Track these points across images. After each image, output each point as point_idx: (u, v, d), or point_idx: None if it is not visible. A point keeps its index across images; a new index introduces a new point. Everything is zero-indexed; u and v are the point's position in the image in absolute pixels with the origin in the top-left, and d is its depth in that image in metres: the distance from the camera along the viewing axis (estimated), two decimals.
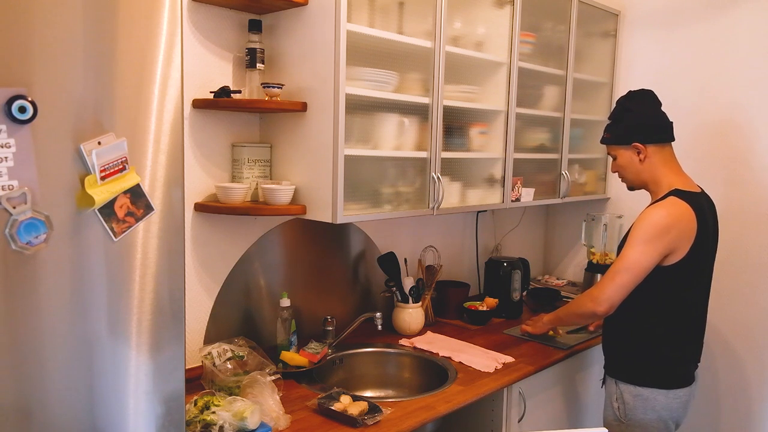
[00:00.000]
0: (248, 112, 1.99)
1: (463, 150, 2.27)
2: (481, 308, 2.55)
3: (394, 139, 2.01)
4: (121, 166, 1.09)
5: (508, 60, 2.36)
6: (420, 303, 2.39)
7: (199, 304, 1.93)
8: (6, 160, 0.96)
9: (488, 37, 2.35)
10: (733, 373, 2.65)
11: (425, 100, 2.06)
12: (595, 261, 2.86)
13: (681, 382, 1.88)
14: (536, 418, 2.17)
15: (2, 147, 0.95)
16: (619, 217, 2.95)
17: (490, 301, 2.58)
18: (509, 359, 2.10)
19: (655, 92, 1.98)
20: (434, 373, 2.06)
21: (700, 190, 1.92)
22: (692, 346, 1.92)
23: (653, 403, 1.86)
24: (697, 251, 1.81)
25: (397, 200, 2.04)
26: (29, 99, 0.97)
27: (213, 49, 1.88)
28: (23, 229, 0.98)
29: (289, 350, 1.97)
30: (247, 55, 1.89)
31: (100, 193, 1.06)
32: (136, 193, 1.12)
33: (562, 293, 2.96)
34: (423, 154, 2.08)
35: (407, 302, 2.35)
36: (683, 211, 1.80)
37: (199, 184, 1.89)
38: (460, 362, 2.07)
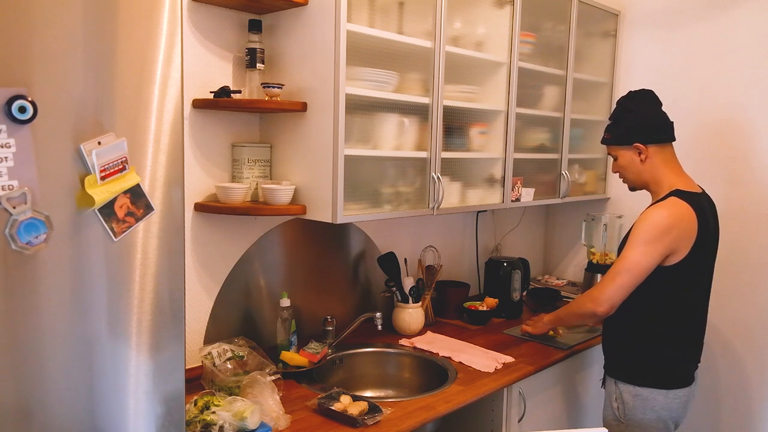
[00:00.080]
0: (248, 112, 1.99)
1: (463, 150, 2.27)
2: (481, 308, 2.55)
3: (394, 139, 2.01)
4: (121, 166, 1.09)
5: (508, 60, 2.36)
6: (420, 303, 2.39)
7: (199, 304, 1.93)
8: (6, 160, 0.96)
9: (488, 37, 2.35)
10: (733, 373, 2.65)
11: (425, 100, 2.06)
12: (595, 261, 2.86)
13: (681, 382, 1.88)
14: (536, 418, 2.17)
15: (2, 147, 0.95)
16: (619, 217, 2.95)
17: (490, 301, 2.58)
18: (509, 359, 2.10)
19: (655, 92, 1.98)
20: (434, 373, 2.06)
21: (701, 191, 1.92)
22: (692, 346, 1.92)
23: (652, 403, 1.86)
24: (698, 252, 1.81)
25: (397, 200, 2.04)
26: (29, 99, 0.97)
27: (213, 49, 1.88)
28: (23, 229, 0.98)
29: (289, 350, 1.97)
30: (247, 55, 1.89)
31: (100, 193, 1.06)
32: (136, 193, 1.12)
33: (562, 293, 2.96)
34: (423, 154, 2.08)
35: (407, 302, 2.35)
36: (684, 211, 1.80)
37: (199, 184, 1.89)
38: (460, 362, 2.07)
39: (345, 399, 1.67)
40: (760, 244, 2.55)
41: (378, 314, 2.18)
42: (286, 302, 1.99)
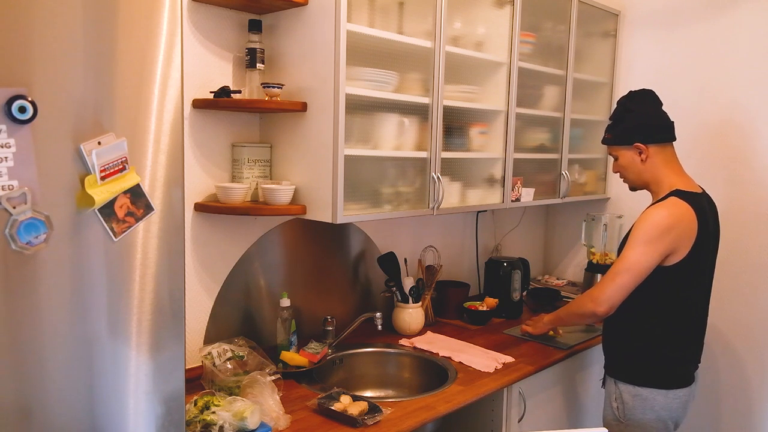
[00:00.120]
0: (248, 112, 1.99)
1: (463, 150, 2.27)
2: (481, 308, 2.55)
3: (394, 139, 2.01)
4: (121, 166, 1.09)
5: (508, 60, 2.36)
6: (420, 303, 2.39)
7: (199, 304, 1.93)
8: (6, 160, 0.96)
9: (488, 37, 2.35)
10: (734, 373, 2.65)
11: (425, 100, 2.06)
12: (595, 261, 2.86)
13: (680, 382, 1.88)
14: (536, 418, 2.17)
15: (2, 147, 0.95)
16: (619, 217, 2.95)
17: (490, 301, 2.58)
18: (509, 359, 2.10)
19: (655, 92, 1.98)
20: (434, 373, 2.06)
21: (701, 191, 1.92)
22: (692, 346, 1.92)
23: (652, 403, 1.86)
24: (698, 252, 1.81)
25: (397, 200, 2.04)
26: (29, 99, 0.97)
27: (213, 49, 1.88)
28: (23, 229, 0.98)
29: (289, 350, 1.97)
30: (247, 55, 1.89)
31: (100, 193, 1.06)
32: (136, 193, 1.12)
33: (562, 293, 2.96)
34: (423, 154, 2.08)
35: (407, 302, 2.35)
36: (684, 211, 1.80)
37: (199, 184, 1.89)
38: (460, 362, 2.07)
39: (345, 399, 1.67)
40: (760, 244, 2.55)
41: (378, 314, 2.18)
42: (286, 302, 1.99)
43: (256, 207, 1.83)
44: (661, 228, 1.78)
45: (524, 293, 2.75)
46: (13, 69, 0.96)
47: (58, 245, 1.03)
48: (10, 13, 0.94)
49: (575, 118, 2.76)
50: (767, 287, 2.54)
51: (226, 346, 1.79)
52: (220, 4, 1.84)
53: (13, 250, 0.98)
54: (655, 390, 1.86)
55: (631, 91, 1.99)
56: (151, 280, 1.16)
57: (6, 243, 0.97)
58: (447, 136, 2.16)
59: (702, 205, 1.85)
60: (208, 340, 1.94)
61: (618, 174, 2.04)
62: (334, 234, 2.31)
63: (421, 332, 2.37)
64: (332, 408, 1.63)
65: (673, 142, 1.95)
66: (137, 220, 1.13)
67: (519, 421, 2.07)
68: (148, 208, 1.14)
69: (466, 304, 2.57)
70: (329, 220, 1.81)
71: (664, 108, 1.96)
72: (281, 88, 1.85)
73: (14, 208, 0.97)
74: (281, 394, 1.67)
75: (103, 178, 1.06)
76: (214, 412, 1.46)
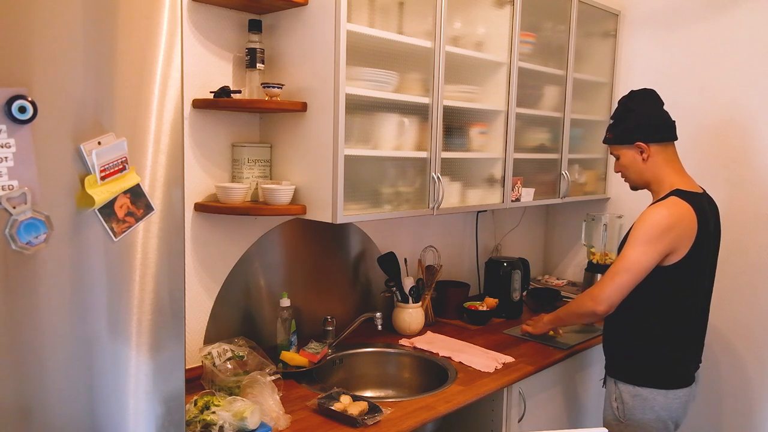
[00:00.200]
0: (248, 112, 1.99)
1: (463, 150, 2.27)
2: (481, 308, 2.55)
3: (394, 139, 2.01)
4: (121, 166, 1.09)
5: (508, 60, 2.36)
6: (420, 303, 2.39)
7: (199, 304, 1.93)
8: (6, 160, 0.96)
9: (488, 37, 2.35)
10: (734, 373, 2.65)
11: (425, 100, 2.06)
12: (595, 261, 2.86)
13: (680, 382, 1.88)
14: (536, 418, 2.17)
15: (2, 147, 0.95)
16: (619, 217, 2.95)
17: (490, 301, 2.58)
18: (509, 359, 2.10)
19: (656, 92, 1.98)
20: (434, 373, 2.06)
21: (702, 191, 1.92)
22: (692, 346, 1.92)
23: (652, 403, 1.86)
24: (698, 252, 1.81)
25: (397, 200, 2.04)
26: (29, 99, 0.97)
27: (213, 49, 1.88)
28: (23, 229, 0.98)
29: (289, 350, 1.97)
30: (247, 55, 1.89)
31: (100, 193, 1.06)
32: (136, 193, 1.12)
33: (562, 293, 2.95)
34: (423, 154, 2.08)
35: (407, 302, 2.35)
36: (684, 211, 1.80)
37: (199, 184, 1.89)
38: (460, 362, 2.07)
39: (345, 399, 1.67)
40: (760, 244, 2.55)
41: (378, 314, 2.18)
42: (286, 302, 1.99)
43: (256, 207, 1.83)
44: (661, 227, 1.79)
45: (524, 293, 2.75)
46: (13, 69, 0.96)
47: (58, 245, 1.03)
48: (10, 13, 0.94)
49: (575, 118, 2.76)
50: (767, 287, 2.54)
51: (226, 346, 1.79)
52: (220, 4, 1.84)
53: (13, 250, 0.98)
54: (655, 390, 1.86)
55: (632, 91, 1.99)
56: (151, 280, 1.16)
57: (6, 243, 0.97)
58: (447, 136, 2.16)
59: (702, 204, 1.85)
60: (208, 340, 1.94)
61: (620, 174, 2.04)
62: (334, 234, 2.31)
63: (421, 332, 2.37)
64: (332, 408, 1.63)
65: (674, 142, 1.95)
66: (137, 220, 1.13)
67: (519, 421, 2.07)
68: (148, 208, 1.14)
69: (466, 304, 2.57)
70: (329, 220, 1.81)
71: (664, 108, 1.96)
72: (281, 88, 1.85)
73: (14, 208, 0.97)
74: (281, 394, 1.67)
75: (103, 178, 1.06)
76: (214, 412, 1.46)
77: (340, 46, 1.74)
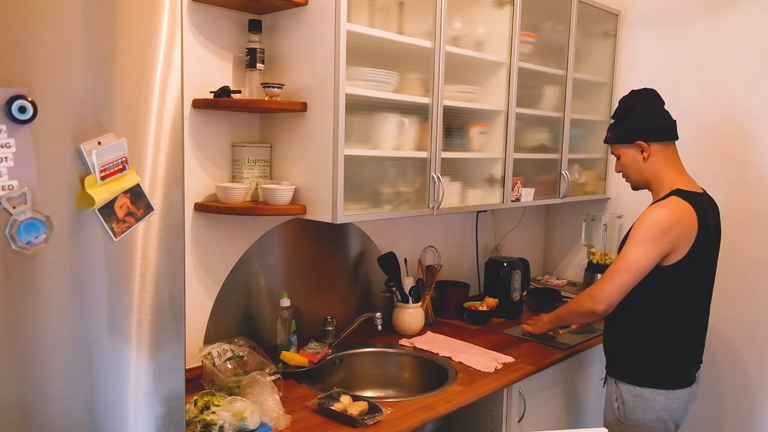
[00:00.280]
0: (248, 112, 1.99)
1: (463, 150, 2.27)
2: (481, 308, 2.55)
3: (394, 139, 2.01)
4: (121, 166, 1.09)
5: (508, 60, 2.36)
6: (420, 303, 2.39)
7: (199, 304, 1.93)
8: (6, 160, 0.96)
9: (488, 37, 2.35)
10: (734, 373, 2.64)
11: (425, 100, 2.06)
12: (595, 261, 2.86)
13: (681, 382, 1.88)
14: (536, 418, 2.17)
15: (2, 147, 0.95)
16: (619, 217, 2.95)
17: (490, 301, 2.58)
18: (509, 359, 2.10)
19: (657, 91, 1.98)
20: (434, 373, 2.06)
21: (702, 191, 1.92)
22: (692, 346, 1.92)
23: (652, 403, 1.86)
24: (698, 252, 1.81)
25: (397, 200, 2.04)
26: (29, 99, 0.97)
27: (213, 49, 1.88)
28: (23, 229, 0.98)
29: (289, 350, 1.96)
30: (247, 55, 1.89)
31: (100, 193, 1.06)
32: (136, 193, 1.12)
33: (562, 293, 2.95)
34: (423, 154, 2.08)
35: (407, 302, 2.35)
36: (684, 211, 1.80)
37: (199, 184, 1.89)
38: (460, 362, 2.07)
39: (345, 399, 1.67)
40: (760, 244, 2.55)
41: (378, 314, 2.18)
42: (286, 302, 1.99)
43: (256, 207, 1.83)
44: (661, 227, 1.79)
45: (524, 293, 2.75)
46: (13, 69, 0.96)
47: (58, 245, 1.03)
48: (10, 13, 0.94)
49: (575, 118, 2.76)
50: (767, 287, 2.54)
51: (226, 346, 1.79)
52: (220, 4, 1.84)
53: (13, 250, 0.98)
54: (655, 390, 1.86)
55: (633, 90, 1.99)
56: (151, 280, 1.16)
57: (6, 243, 0.97)
58: (447, 136, 2.16)
59: (703, 204, 1.85)
60: (208, 340, 1.94)
61: (620, 173, 2.04)
62: (334, 234, 2.31)
63: (421, 332, 2.37)
64: (332, 408, 1.63)
65: (675, 142, 1.95)
66: (137, 220, 1.13)
67: (519, 421, 2.07)
68: (148, 208, 1.14)
69: (466, 304, 2.57)
70: (329, 220, 1.81)
71: (665, 107, 1.96)
72: (281, 88, 1.85)
73: (14, 208, 0.97)
74: (281, 394, 1.67)
75: (103, 178, 1.06)
76: (214, 412, 1.46)
77: (340, 46, 1.74)
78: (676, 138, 1.94)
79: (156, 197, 1.15)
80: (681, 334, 1.88)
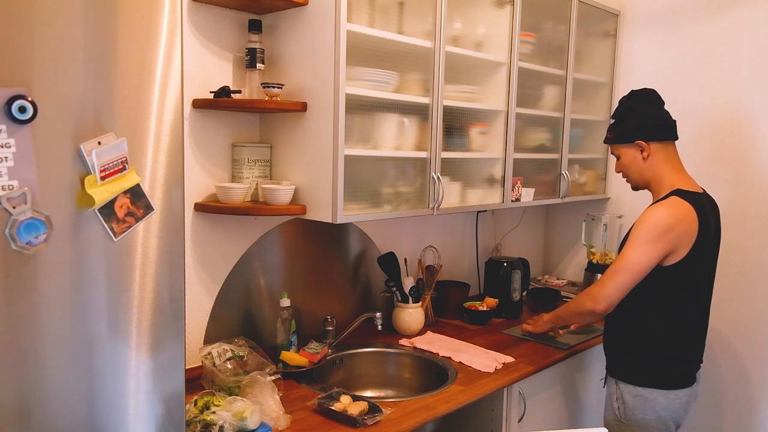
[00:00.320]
0: (248, 112, 1.99)
1: (463, 150, 2.27)
2: (481, 308, 2.55)
3: (394, 139, 2.01)
4: (121, 166, 1.09)
5: (508, 60, 2.36)
6: (420, 303, 2.39)
7: (199, 304, 1.93)
8: (6, 160, 0.96)
9: (488, 37, 2.35)
10: (735, 373, 2.64)
11: (425, 100, 2.06)
12: (595, 261, 2.86)
13: (681, 382, 1.88)
14: (536, 418, 2.17)
15: (2, 147, 0.95)
16: (619, 217, 2.95)
17: (490, 301, 2.58)
18: (509, 359, 2.10)
19: (657, 91, 1.98)
20: (434, 373, 2.06)
21: (702, 191, 1.92)
22: (693, 346, 1.92)
23: (653, 403, 1.86)
24: (698, 252, 1.81)
25: (397, 200, 2.04)
26: (29, 99, 0.97)
27: (213, 49, 1.88)
28: (23, 229, 0.98)
29: (289, 350, 1.97)
30: (247, 55, 1.89)
31: (100, 193, 1.06)
32: (136, 193, 1.12)
33: (562, 293, 2.96)
34: (423, 154, 2.08)
35: (407, 302, 2.35)
36: (685, 211, 1.80)
37: (199, 184, 1.89)
38: (460, 362, 2.07)
39: (345, 399, 1.67)
40: (760, 243, 2.55)
41: (378, 314, 2.18)
42: (286, 302, 1.99)
43: (256, 207, 1.83)
44: (661, 227, 1.79)
45: (524, 293, 2.75)
46: (13, 69, 0.96)
47: (58, 245, 1.03)
48: (10, 13, 0.94)
49: (575, 118, 2.76)
50: (767, 287, 2.54)
51: (226, 346, 1.79)
52: (220, 4, 1.84)
53: (13, 250, 0.98)
54: (656, 390, 1.86)
55: (632, 90, 1.99)
56: (151, 280, 1.16)
57: (6, 243, 0.97)
58: (447, 136, 2.16)
59: (703, 204, 1.85)
60: (208, 340, 1.94)
61: (621, 174, 2.04)
62: (334, 234, 2.31)
63: (421, 332, 2.37)
64: (332, 408, 1.63)
65: (675, 142, 1.95)
66: (137, 220, 1.13)
67: (519, 421, 2.07)
68: (148, 208, 1.14)
69: (466, 304, 2.57)
70: (329, 220, 1.81)
71: (665, 107, 1.96)
72: (281, 88, 1.85)
73: (14, 208, 0.97)
74: (281, 394, 1.67)
75: (103, 178, 1.06)
76: (214, 412, 1.46)
77: (340, 46, 1.74)
78: (676, 138, 1.94)
79: (156, 197, 1.15)
80: (681, 334, 1.88)
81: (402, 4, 2.00)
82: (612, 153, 2.04)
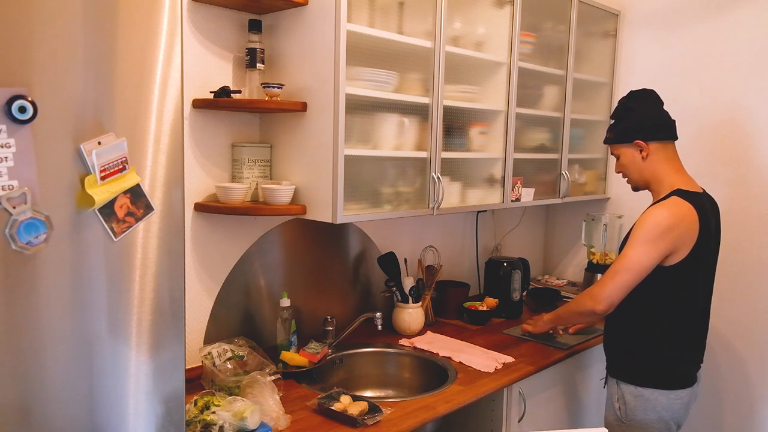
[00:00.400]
0: (248, 112, 1.99)
1: (463, 150, 2.27)
2: (481, 308, 2.55)
3: (394, 139, 2.01)
4: (121, 166, 1.09)
5: (508, 60, 2.36)
6: (420, 303, 2.39)
7: (199, 304, 1.93)
8: (6, 160, 0.96)
9: (488, 37, 2.35)
10: (735, 373, 2.64)
11: (425, 100, 2.06)
12: (595, 261, 2.86)
13: (682, 382, 1.88)
14: (536, 418, 2.17)
15: (2, 147, 0.95)
16: (619, 217, 2.95)
17: (490, 301, 2.58)
18: (509, 359, 2.10)
19: (656, 91, 1.98)
20: (434, 373, 2.06)
21: (702, 191, 1.92)
22: (693, 346, 1.92)
23: (654, 403, 1.86)
24: (699, 252, 1.81)
25: (397, 200, 2.04)
26: (29, 99, 0.97)
27: (213, 49, 1.88)
28: (23, 229, 0.98)
29: (289, 350, 1.96)
30: (247, 55, 1.89)
31: (100, 193, 1.06)
32: (136, 193, 1.12)
33: (562, 293, 2.96)
34: (423, 154, 2.08)
35: (407, 302, 2.35)
36: (685, 211, 1.80)
37: (199, 184, 1.89)
38: (460, 362, 2.07)
39: (345, 399, 1.67)
40: (760, 243, 2.55)
41: (378, 314, 2.18)
42: (286, 302, 1.98)
43: (256, 207, 1.83)
44: (662, 227, 1.79)
45: (524, 293, 2.75)
46: (13, 69, 0.96)
47: (58, 245, 1.03)
48: (10, 13, 0.94)
49: (575, 118, 2.76)
50: (767, 287, 2.54)
51: (226, 346, 1.79)
52: (220, 4, 1.84)
53: (13, 250, 0.98)
54: (656, 390, 1.86)
55: (632, 91, 1.99)
56: (151, 280, 1.16)
57: (6, 243, 0.97)
58: (447, 136, 2.16)
59: (703, 204, 1.85)
60: (208, 340, 1.94)
61: (621, 174, 2.04)
62: (334, 234, 2.31)
63: (421, 332, 2.37)
64: (332, 408, 1.63)
65: (674, 142, 1.95)
66: (137, 220, 1.13)
67: (519, 421, 2.07)
68: (148, 208, 1.14)
69: (466, 304, 2.57)
70: (329, 220, 1.81)
71: (664, 108, 1.97)
72: (281, 88, 1.85)
73: (14, 208, 0.97)
74: (281, 394, 1.67)
75: (103, 178, 1.06)
76: (214, 412, 1.46)
77: (340, 46, 1.74)
78: (675, 138, 1.94)
79: (156, 197, 1.15)
80: (682, 334, 1.88)
81: (402, 4, 2.00)
82: (612, 153, 2.04)
